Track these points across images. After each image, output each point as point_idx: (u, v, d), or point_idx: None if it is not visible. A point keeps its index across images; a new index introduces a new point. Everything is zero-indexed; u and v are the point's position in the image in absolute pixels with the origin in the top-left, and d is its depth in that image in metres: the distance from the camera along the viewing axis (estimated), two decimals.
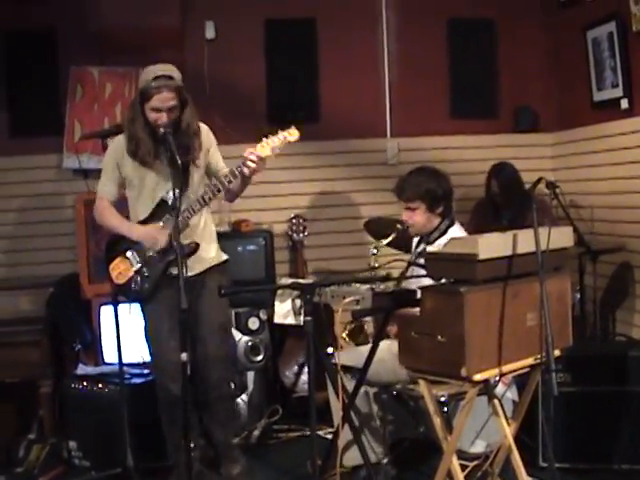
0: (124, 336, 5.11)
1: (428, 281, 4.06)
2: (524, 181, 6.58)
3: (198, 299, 4.90)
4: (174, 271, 4.58)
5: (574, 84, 7.10)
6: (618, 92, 6.39)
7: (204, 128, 5.00)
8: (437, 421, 4.01)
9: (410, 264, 4.63)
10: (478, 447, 5.12)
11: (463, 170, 7.10)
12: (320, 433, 5.44)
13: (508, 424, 4.18)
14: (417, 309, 3.88)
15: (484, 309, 3.69)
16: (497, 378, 3.87)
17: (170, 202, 4.57)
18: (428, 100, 7.39)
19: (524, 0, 7.52)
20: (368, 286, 4.66)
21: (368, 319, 5.83)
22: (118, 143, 4.91)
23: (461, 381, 3.76)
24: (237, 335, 6.04)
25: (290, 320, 4.81)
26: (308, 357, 4.00)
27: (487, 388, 3.98)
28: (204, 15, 7.01)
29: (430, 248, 4.76)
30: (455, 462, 3.98)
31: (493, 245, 3.77)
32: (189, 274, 4.69)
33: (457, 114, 7.48)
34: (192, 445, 4.42)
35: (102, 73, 6.74)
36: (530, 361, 3.92)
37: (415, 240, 5.13)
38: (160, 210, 4.83)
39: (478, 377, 3.67)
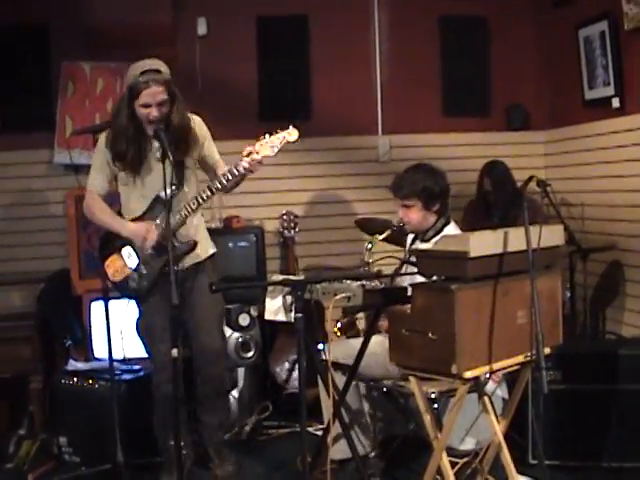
0: (115, 332, 5.10)
1: (420, 278, 4.07)
2: (516, 179, 6.59)
3: (193, 292, 4.92)
4: None
5: (566, 82, 7.12)
6: (610, 91, 6.40)
7: (197, 120, 4.97)
8: (427, 418, 4.01)
9: (404, 262, 4.63)
10: (468, 444, 5.13)
11: (455, 168, 7.08)
12: (310, 429, 5.44)
13: (498, 421, 4.18)
14: (408, 306, 3.89)
15: (475, 307, 3.70)
16: (487, 375, 3.89)
17: (163, 197, 4.54)
18: (420, 98, 7.40)
19: None
20: (359, 283, 4.65)
21: (361, 315, 5.84)
22: (107, 136, 4.86)
23: (451, 378, 3.76)
24: (228, 331, 6.03)
25: (281, 317, 4.79)
26: (299, 354, 3.99)
27: (477, 385, 3.99)
28: (196, 11, 7.01)
29: (423, 246, 4.77)
30: (445, 459, 3.98)
31: (484, 243, 3.77)
32: (180, 268, 4.72)
33: (449, 112, 7.49)
34: (182, 443, 4.41)
35: (94, 69, 6.73)
36: (520, 359, 3.93)
37: (410, 237, 5.13)
38: (155, 207, 4.82)
39: (468, 374, 3.67)
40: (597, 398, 4.97)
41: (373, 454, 4.98)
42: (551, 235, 4.04)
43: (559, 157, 7.38)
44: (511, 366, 3.96)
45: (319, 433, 5.14)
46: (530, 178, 4.11)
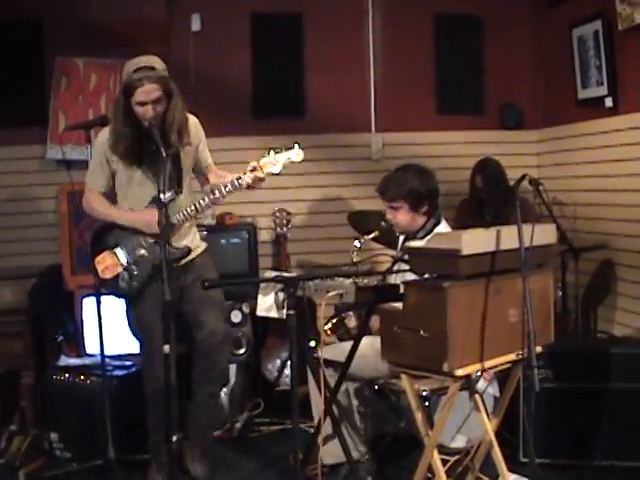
0: (106, 328, 5.10)
1: (412, 276, 4.07)
2: (509, 178, 6.60)
3: (190, 285, 4.94)
4: None
5: (559, 82, 7.13)
6: (603, 90, 6.41)
7: (193, 121, 4.96)
8: (418, 416, 4.02)
9: (397, 260, 4.62)
10: (459, 442, 5.13)
11: (448, 166, 7.11)
12: (301, 426, 5.44)
13: (489, 419, 4.19)
14: (400, 304, 3.89)
15: (467, 304, 3.70)
16: (479, 373, 3.88)
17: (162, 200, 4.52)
18: (414, 96, 7.41)
19: None
20: (351, 280, 4.65)
21: (350, 313, 5.84)
22: (107, 135, 4.83)
23: (443, 376, 3.77)
24: None
25: (273, 314, 4.79)
26: (291, 351, 4.00)
27: (469, 383, 3.99)
28: (190, 8, 7.01)
29: (416, 243, 4.76)
30: (436, 457, 3.99)
31: (477, 241, 3.77)
32: (175, 265, 4.73)
33: (443, 110, 7.49)
34: (174, 439, 4.41)
35: (87, 64, 6.72)
36: (512, 357, 3.93)
37: (401, 238, 5.12)
38: (153, 207, 4.76)
39: (460, 372, 3.68)
40: (588, 397, 4.98)
41: (367, 457, 4.97)
42: (543, 234, 4.04)
43: (552, 156, 7.39)
44: (503, 364, 3.97)
45: (311, 430, 5.14)
46: (523, 177, 4.11)
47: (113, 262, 4.90)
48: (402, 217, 4.87)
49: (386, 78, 7.40)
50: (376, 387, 4.95)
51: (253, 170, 4.66)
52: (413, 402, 4.02)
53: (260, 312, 4.94)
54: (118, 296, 5.01)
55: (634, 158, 6.11)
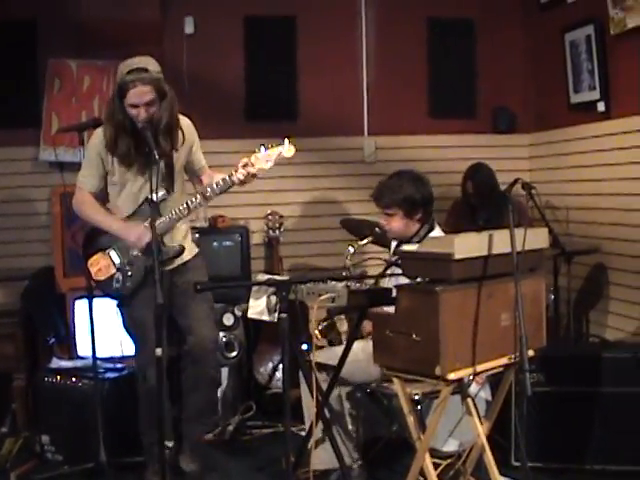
0: (98, 330, 5.09)
1: (404, 280, 4.07)
2: (501, 182, 6.60)
3: (181, 289, 4.93)
4: None
5: (552, 86, 7.14)
6: (595, 95, 6.43)
7: (186, 122, 4.95)
8: (410, 420, 4.02)
9: (390, 264, 4.62)
10: (451, 446, 5.13)
11: (441, 169, 7.12)
12: (293, 430, 5.44)
13: (481, 423, 4.19)
14: (392, 308, 3.89)
15: (459, 309, 3.70)
16: (471, 377, 3.89)
17: (155, 200, 4.50)
18: (406, 99, 7.42)
19: (504, 1, 7.57)
20: (344, 284, 4.66)
21: (341, 317, 5.84)
22: (102, 135, 4.81)
23: (435, 380, 3.76)
24: None
25: (265, 317, 4.79)
26: (283, 354, 4.00)
27: (461, 387, 3.99)
28: (184, 10, 7.01)
29: (408, 247, 4.76)
30: (428, 461, 3.99)
31: (469, 245, 3.78)
32: (167, 268, 4.73)
33: (435, 114, 7.51)
34: (170, 445, 4.42)
35: (80, 66, 6.71)
36: (504, 361, 3.93)
37: (394, 244, 5.12)
38: (144, 209, 4.77)
39: (452, 376, 3.68)
40: (580, 401, 4.98)
41: (358, 463, 4.96)
42: (535, 238, 4.05)
43: (544, 160, 7.40)
44: (495, 368, 3.97)
45: (302, 433, 5.14)
46: (515, 181, 4.12)
47: (106, 263, 4.89)
48: (396, 224, 4.87)
49: (379, 81, 7.41)
50: (368, 391, 4.95)
51: (244, 166, 4.66)
52: (405, 406, 4.03)
53: (251, 315, 4.93)
54: (112, 297, 5.00)
55: (626, 162, 6.12)
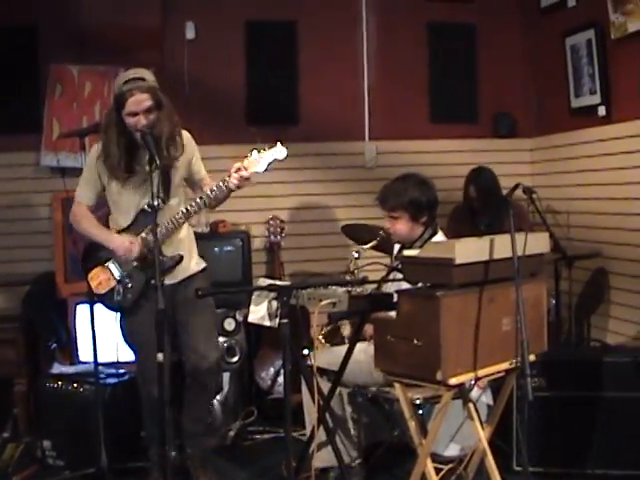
0: (100, 335, 5.09)
1: (406, 285, 4.07)
2: (502, 186, 6.61)
3: (185, 306, 4.93)
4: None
5: (553, 90, 7.14)
6: (596, 99, 6.43)
7: (186, 135, 4.96)
8: (412, 424, 4.02)
9: (392, 269, 4.62)
10: (452, 451, 5.13)
11: (442, 174, 7.09)
12: (294, 435, 5.44)
13: (482, 428, 4.19)
14: (393, 313, 3.89)
15: (460, 313, 3.70)
16: (472, 382, 3.88)
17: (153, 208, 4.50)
18: (407, 104, 7.42)
19: (504, 6, 7.56)
20: (345, 289, 4.66)
21: (344, 321, 5.84)
22: (99, 149, 4.82)
23: (436, 385, 3.76)
24: None
25: (266, 322, 4.79)
26: (284, 359, 4.00)
27: (462, 392, 3.99)
28: (185, 15, 7.00)
29: (409, 252, 4.76)
30: (429, 465, 3.99)
31: (470, 250, 3.78)
32: (170, 282, 4.74)
33: (436, 118, 7.51)
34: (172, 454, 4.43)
35: (82, 72, 6.71)
36: (505, 366, 3.93)
37: (397, 246, 5.12)
38: (141, 219, 4.81)
39: (453, 381, 3.68)
40: (582, 405, 4.98)
41: (357, 462, 4.97)
42: (536, 242, 4.05)
43: (545, 164, 7.40)
44: (496, 373, 3.97)
45: (304, 438, 5.14)
46: (516, 185, 4.12)
47: (106, 277, 4.90)
48: (401, 227, 4.87)
49: (380, 86, 7.41)
50: (369, 395, 4.95)
51: (238, 171, 4.66)
52: (406, 410, 4.03)
53: (252, 320, 4.94)
54: (114, 310, 4.99)
55: (627, 166, 6.12)
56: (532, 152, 7.63)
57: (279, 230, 6.70)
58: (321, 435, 4.71)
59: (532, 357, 3.92)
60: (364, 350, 4.57)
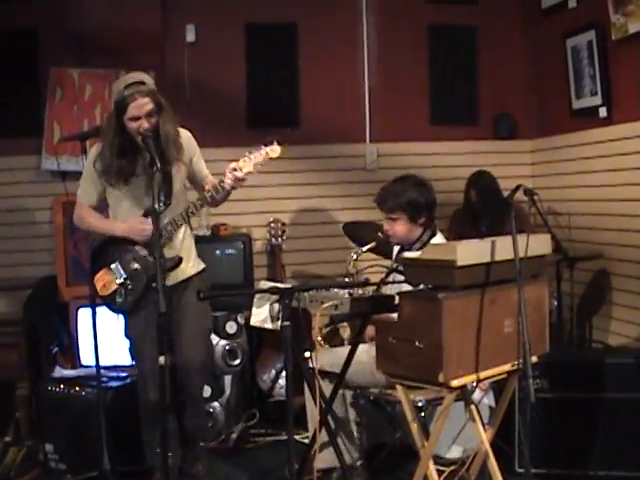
0: (101, 339, 5.09)
1: (407, 287, 4.07)
2: (503, 188, 6.61)
3: (179, 307, 4.93)
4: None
5: (553, 92, 7.14)
6: (597, 100, 6.42)
7: (186, 135, 4.97)
8: (414, 426, 4.01)
9: (391, 271, 4.62)
10: (455, 452, 5.14)
11: (442, 176, 7.11)
12: (297, 437, 5.44)
13: (485, 430, 4.19)
14: (395, 315, 3.89)
15: (462, 315, 3.70)
16: (474, 384, 3.88)
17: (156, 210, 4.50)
18: (408, 106, 7.42)
19: (505, 7, 7.56)
20: (347, 291, 4.66)
21: (344, 323, 5.84)
22: (99, 150, 4.84)
23: (438, 387, 3.76)
24: (215, 339, 6.04)
25: (268, 325, 4.79)
26: (286, 362, 4.00)
27: (464, 394, 3.99)
28: (185, 18, 7.00)
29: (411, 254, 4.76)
30: (432, 467, 3.98)
31: (471, 252, 3.78)
32: (169, 283, 4.73)
33: (437, 120, 7.51)
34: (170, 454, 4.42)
35: (82, 75, 6.72)
36: (507, 367, 3.93)
37: (396, 248, 5.12)
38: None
39: (455, 383, 3.68)
40: (584, 407, 4.97)
41: (359, 463, 4.97)
42: (538, 244, 4.05)
43: (546, 166, 7.40)
44: (498, 374, 3.97)
45: (306, 441, 5.13)
46: (517, 187, 4.11)
47: (110, 279, 4.91)
48: (400, 228, 4.88)
49: (380, 88, 7.41)
50: (371, 397, 4.95)
51: (233, 171, 4.67)
52: (408, 413, 4.02)
53: (254, 323, 4.94)
54: (116, 312, 5.00)
55: (628, 168, 6.12)
56: (533, 154, 7.63)
57: (280, 233, 6.71)
58: (323, 437, 4.71)
59: (534, 359, 3.92)
60: (366, 351, 4.57)
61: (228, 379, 6.20)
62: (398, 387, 4.00)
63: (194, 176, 5.04)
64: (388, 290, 4.61)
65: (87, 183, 4.93)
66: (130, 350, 5.07)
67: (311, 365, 4.78)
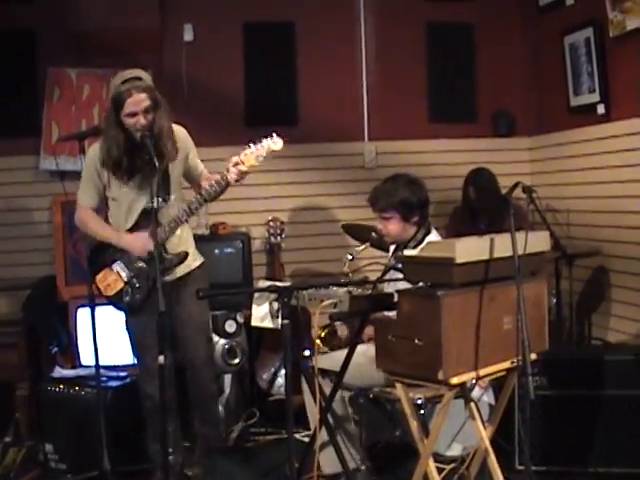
0: (101, 338, 5.09)
1: (405, 285, 4.07)
2: (502, 185, 6.61)
3: (181, 302, 4.94)
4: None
5: (552, 89, 7.14)
6: (595, 97, 6.42)
7: (182, 131, 4.97)
8: (414, 424, 4.01)
9: (389, 268, 4.62)
10: (455, 450, 5.14)
11: (441, 174, 7.13)
12: (297, 436, 5.44)
13: (484, 427, 4.19)
14: (394, 312, 3.89)
15: (461, 313, 3.70)
16: (474, 381, 3.88)
17: (154, 208, 4.50)
18: (406, 104, 7.41)
19: (503, 5, 7.56)
20: (346, 289, 4.66)
21: (341, 323, 5.84)
22: (97, 150, 4.83)
23: (438, 384, 3.77)
24: (214, 338, 6.04)
25: (267, 323, 4.79)
26: (285, 360, 4.00)
27: (464, 391, 4.00)
28: (183, 18, 7.00)
29: (409, 252, 4.76)
30: (432, 465, 3.99)
31: (470, 249, 3.78)
32: (170, 278, 4.74)
33: (435, 118, 7.50)
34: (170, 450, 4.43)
35: (80, 75, 6.72)
36: (507, 365, 3.93)
37: (392, 248, 5.12)
38: (144, 219, 4.80)
39: (455, 380, 3.68)
40: (583, 404, 4.98)
41: (364, 467, 4.96)
42: (537, 241, 4.05)
43: (545, 163, 7.40)
44: (497, 372, 3.97)
45: (306, 439, 5.13)
46: (516, 184, 4.12)
47: (114, 278, 4.91)
48: (393, 227, 4.89)
49: (379, 86, 7.41)
50: (371, 395, 4.95)
51: (236, 165, 4.67)
52: (408, 410, 4.02)
53: (255, 322, 4.94)
54: (124, 310, 4.99)
55: (627, 165, 6.12)
56: (531, 151, 7.63)
57: (279, 231, 6.71)
58: (323, 435, 4.71)
59: (533, 356, 3.92)
60: (363, 353, 4.57)
61: (228, 378, 6.20)
62: (397, 385, 4.00)
63: (189, 172, 5.04)
64: (387, 288, 4.61)
65: (87, 184, 4.91)
66: (133, 347, 5.06)
67: (310, 364, 4.79)
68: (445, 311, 3.62)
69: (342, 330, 6.24)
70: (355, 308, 4.52)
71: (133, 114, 4.59)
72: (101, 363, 5.06)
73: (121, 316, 5.05)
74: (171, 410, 4.89)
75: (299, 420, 5.13)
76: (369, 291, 4.65)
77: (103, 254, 4.93)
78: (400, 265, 4.18)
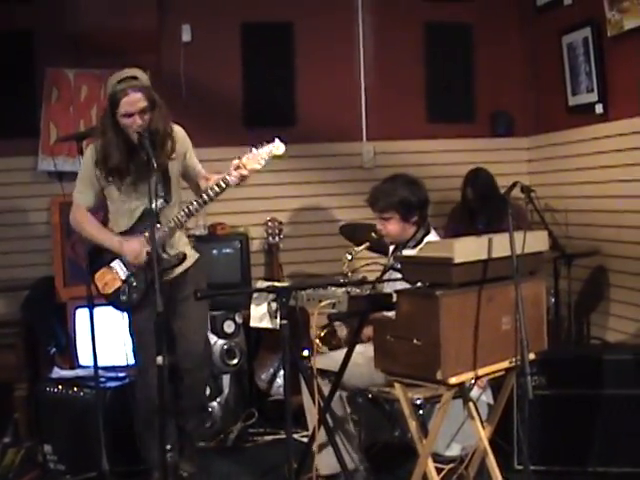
0: (99, 339, 5.08)
1: (404, 285, 4.07)
2: (500, 185, 6.61)
3: (179, 300, 4.93)
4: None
5: (550, 89, 7.15)
6: (593, 97, 6.43)
7: (179, 131, 4.96)
8: (412, 424, 4.02)
9: (387, 268, 4.62)
10: (453, 450, 5.13)
11: (439, 174, 7.13)
12: (295, 436, 5.44)
13: (483, 427, 4.19)
14: (393, 313, 3.89)
15: (459, 313, 3.70)
16: (472, 381, 3.88)
17: (154, 209, 4.50)
18: (404, 104, 7.42)
19: (501, 5, 7.57)
20: (344, 289, 4.66)
21: (340, 323, 5.84)
22: (95, 150, 4.82)
23: (436, 384, 3.77)
24: (213, 338, 6.04)
25: (266, 323, 4.79)
26: (284, 360, 4.00)
27: (462, 391, 3.99)
28: (181, 18, 6.99)
29: (408, 252, 4.76)
30: (431, 465, 3.99)
31: (469, 249, 3.78)
32: (167, 277, 4.73)
33: (433, 118, 7.51)
34: (169, 447, 4.42)
35: (78, 75, 6.71)
36: (505, 364, 3.93)
37: (391, 248, 5.12)
38: (143, 220, 4.79)
39: (453, 380, 3.68)
40: (582, 403, 4.98)
41: (362, 467, 4.95)
42: (535, 241, 4.05)
43: (543, 163, 7.40)
44: (496, 372, 3.97)
45: (304, 440, 5.13)
46: (514, 184, 4.12)
47: (112, 277, 4.90)
48: (393, 227, 4.88)
49: (377, 87, 7.41)
50: (370, 395, 4.95)
51: (237, 168, 4.68)
52: (407, 410, 4.02)
53: (253, 322, 4.94)
54: (121, 310, 4.99)
55: (625, 164, 6.12)
56: (529, 151, 7.64)
57: (277, 232, 6.70)
58: (322, 436, 4.71)
59: (532, 355, 3.93)
60: (362, 353, 4.57)
61: (226, 378, 6.20)
62: (396, 385, 4.00)
63: (187, 171, 5.03)
64: (385, 288, 4.61)
65: (84, 184, 4.89)
66: (133, 346, 5.06)
67: (309, 364, 4.79)
68: (444, 311, 3.62)
69: (341, 330, 6.24)
70: (354, 308, 4.51)
71: (129, 115, 4.58)
72: (99, 364, 5.05)
73: (120, 316, 5.04)
74: (169, 410, 4.89)
75: (298, 420, 5.12)
76: (368, 291, 4.65)
77: (103, 253, 4.92)
78: (399, 265, 4.17)
